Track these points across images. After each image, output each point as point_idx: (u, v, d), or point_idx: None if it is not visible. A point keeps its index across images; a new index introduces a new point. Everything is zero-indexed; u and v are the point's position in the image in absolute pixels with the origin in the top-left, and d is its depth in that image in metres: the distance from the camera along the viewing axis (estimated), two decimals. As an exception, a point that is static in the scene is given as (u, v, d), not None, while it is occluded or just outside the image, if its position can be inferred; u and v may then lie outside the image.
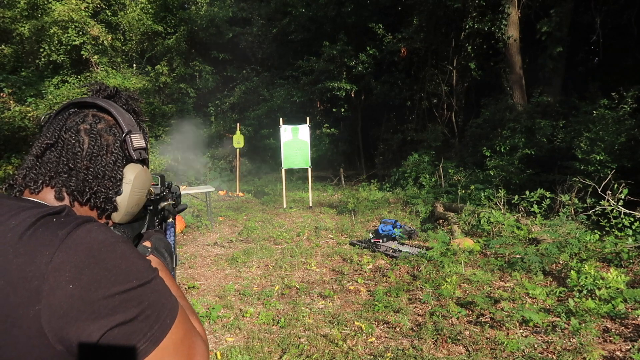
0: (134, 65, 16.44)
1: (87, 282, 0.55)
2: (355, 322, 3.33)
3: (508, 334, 3.03)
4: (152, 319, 0.59)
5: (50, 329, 0.54)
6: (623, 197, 5.00)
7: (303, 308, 3.65)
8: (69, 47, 13.13)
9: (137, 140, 0.79)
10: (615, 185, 5.30)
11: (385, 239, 5.59)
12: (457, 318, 3.31)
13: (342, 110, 13.83)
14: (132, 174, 0.77)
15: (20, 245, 0.57)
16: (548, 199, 5.84)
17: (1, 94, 11.35)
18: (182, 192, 7.12)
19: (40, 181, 0.71)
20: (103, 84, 0.83)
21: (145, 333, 0.58)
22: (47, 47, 13.08)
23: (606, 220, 4.95)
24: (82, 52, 13.27)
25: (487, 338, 2.98)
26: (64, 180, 0.71)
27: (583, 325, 2.97)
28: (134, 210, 0.80)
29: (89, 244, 0.58)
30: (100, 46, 13.85)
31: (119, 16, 15.17)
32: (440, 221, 6.51)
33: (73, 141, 0.73)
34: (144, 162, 0.82)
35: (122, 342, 0.56)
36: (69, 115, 0.76)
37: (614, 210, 4.97)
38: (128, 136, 0.77)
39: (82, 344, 0.54)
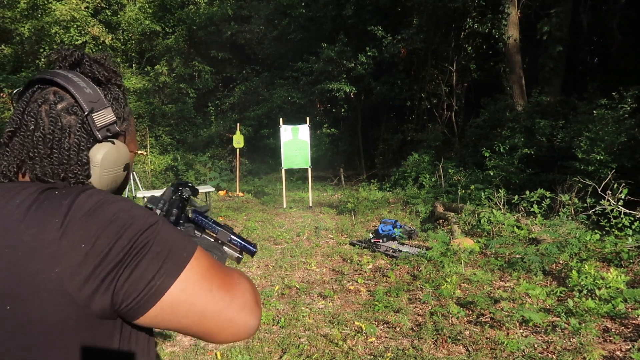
0: (134, 65, 16.45)
1: (94, 237, 0.59)
2: (355, 322, 3.33)
3: (508, 333, 3.03)
4: (164, 255, 0.61)
5: (73, 287, 0.58)
6: (623, 196, 5.00)
7: (303, 308, 3.65)
8: (70, 47, 13.18)
9: (103, 117, 0.73)
10: (615, 185, 5.30)
11: (385, 239, 5.59)
12: (457, 318, 3.31)
13: (342, 110, 13.84)
14: (99, 156, 0.73)
15: (30, 218, 0.60)
16: (548, 199, 5.85)
17: (1, 94, 11.36)
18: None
19: (12, 170, 0.70)
20: (67, 49, 0.77)
21: (158, 269, 0.60)
22: (47, 47, 13.08)
23: (606, 220, 4.95)
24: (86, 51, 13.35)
25: (487, 338, 2.98)
26: (30, 167, 0.70)
27: (583, 325, 2.97)
28: (113, 186, 0.78)
29: (91, 205, 0.62)
30: (100, 46, 13.87)
31: (119, 16, 15.19)
32: (440, 221, 6.51)
33: (33, 127, 0.70)
34: (116, 135, 0.76)
35: (138, 283, 0.59)
36: (33, 93, 0.72)
37: (614, 210, 4.97)
38: (89, 116, 0.71)
39: (102, 293, 0.59)
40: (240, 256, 1.08)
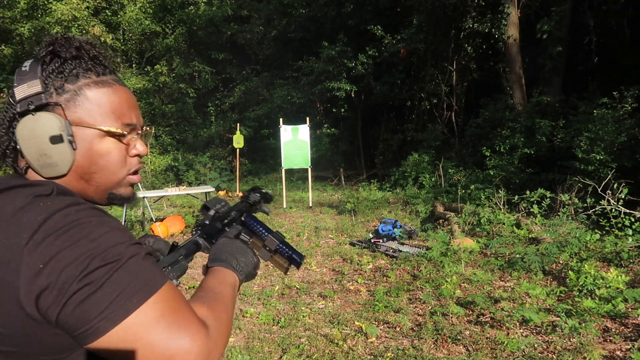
0: (134, 65, 16.46)
1: (52, 259, 0.59)
2: (356, 322, 3.33)
3: (508, 333, 3.03)
4: (112, 297, 0.59)
5: (27, 303, 0.59)
6: (623, 196, 5.00)
7: (303, 308, 3.65)
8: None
9: (24, 90, 0.72)
10: (615, 185, 5.30)
11: (385, 239, 5.59)
12: (457, 318, 3.31)
13: (342, 110, 13.84)
14: (17, 129, 0.73)
15: (8, 226, 0.62)
16: (548, 199, 5.85)
17: (1, 94, 11.35)
18: (182, 192, 7.13)
19: None
20: (49, 38, 0.76)
21: (101, 311, 0.58)
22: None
23: (606, 220, 4.95)
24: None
25: (487, 338, 2.98)
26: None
27: (583, 325, 2.97)
28: (48, 161, 0.73)
29: (62, 225, 0.61)
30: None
31: (119, 16, 15.21)
32: (440, 221, 6.51)
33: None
34: (44, 107, 0.73)
35: (77, 317, 0.58)
36: None
37: (614, 210, 4.97)
38: (11, 90, 0.73)
39: (48, 316, 0.59)
40: (288, 267, 1.04)
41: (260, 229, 1.03)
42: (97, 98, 0.76)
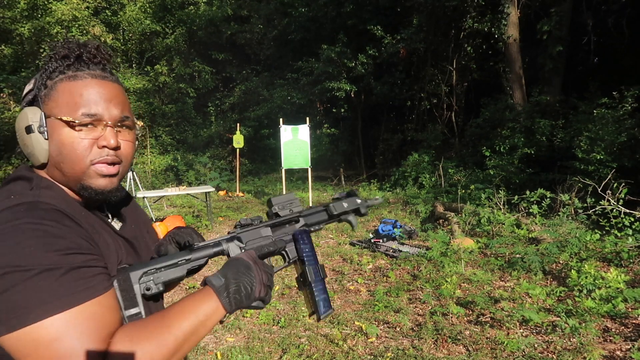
0: (134, 65, 16.46)
1: None
2: (356, 322, 3.33)
3: (508, 333, 3.03)
4: (12, 305, 0.60)
5: None
6: (623, 196, 5.00)
7: (303, 308, 3.65)
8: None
9: (25, 89, 0.82)
10: (615, 185, 5.30)
11: (385, 239, 5.59)
12: (457, 318, 3.31)
13: (342, 110, 13.84)
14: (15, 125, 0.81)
15: None
16: (548, 199, 5.85)
17: (1, 95, 11.36)
18: (182, 192, 7.12)
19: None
20: (55, 42, 0.83)
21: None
22: (47, 48, 13.10)
23: (606, 219, 4.95)
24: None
25: (487, 338, 2.98)
26: None
27: (583, 325, 2.97)
28: (28, 151, 0.78)
29: (2, 222, 0.64)
30: (101, 46, 13.93)
31: (119, 16, 15.21)
32: (440, 221, 6.51)
33: None
34: (32, 102, 0.80)
35: None
36: None
37: (614, 210, 4.97)
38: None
39: None
40: (313, 312, 0.88)
41: (303, 254, 0.89)
42: (65, 91, 0.78)
